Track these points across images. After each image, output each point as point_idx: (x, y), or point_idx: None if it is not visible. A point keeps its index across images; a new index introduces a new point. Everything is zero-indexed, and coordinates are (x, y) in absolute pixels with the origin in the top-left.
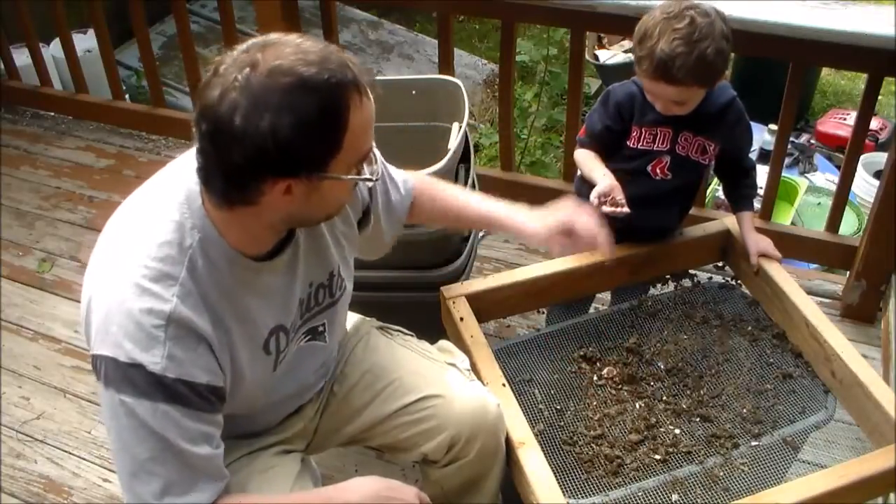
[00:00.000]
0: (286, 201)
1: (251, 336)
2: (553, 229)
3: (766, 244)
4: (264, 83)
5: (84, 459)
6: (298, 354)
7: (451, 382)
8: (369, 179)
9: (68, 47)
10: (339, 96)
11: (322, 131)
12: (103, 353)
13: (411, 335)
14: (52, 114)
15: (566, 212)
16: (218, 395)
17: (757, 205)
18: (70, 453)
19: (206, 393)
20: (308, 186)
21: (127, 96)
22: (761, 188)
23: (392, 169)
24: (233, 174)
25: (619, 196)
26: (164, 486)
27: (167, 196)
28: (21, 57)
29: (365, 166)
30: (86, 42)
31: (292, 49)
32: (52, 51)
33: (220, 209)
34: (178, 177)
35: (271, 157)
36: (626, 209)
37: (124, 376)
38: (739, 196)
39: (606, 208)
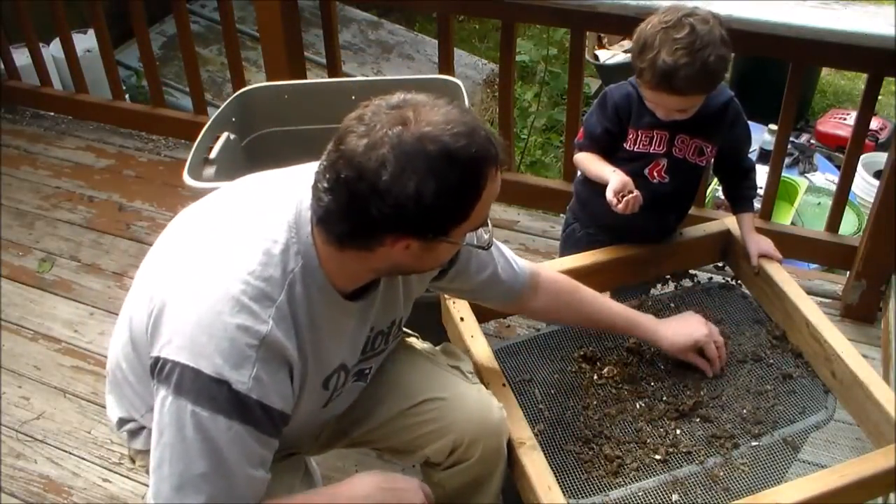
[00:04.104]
0: (401, 255)
1: (319, 370)
2: (689, 347)
3: (767, 245)
4: (415, 146)
5: (84, 459)
6: (345, 394)
7: (454, 385)
8: (482, 247)
9: (68, 47)
10: (480, 171)
11: (459, 202)
12: (182, 360)
13: (415, 336)
14: (52, 114)
15: (701, 333)
16: (284, 422)
17: (757, 205)
18: (70, 453)
19: (276, 419)
20: (426, 246)
21: (127, 96)
22: (761, 188)
23: (510, 253)
24: (361, 223)
25: (632, 187)
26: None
27: (275, 213)
28: (21, 57)
29: (478, 232)
30: (86, 42)
31: (442, 117)
32: (52, 51)
33: (329, 245)
34: (289, 195)
35: (408, 217)
36: (638, 196)
37: (205, 389)
38: (739, 197)
39: (621, 206)
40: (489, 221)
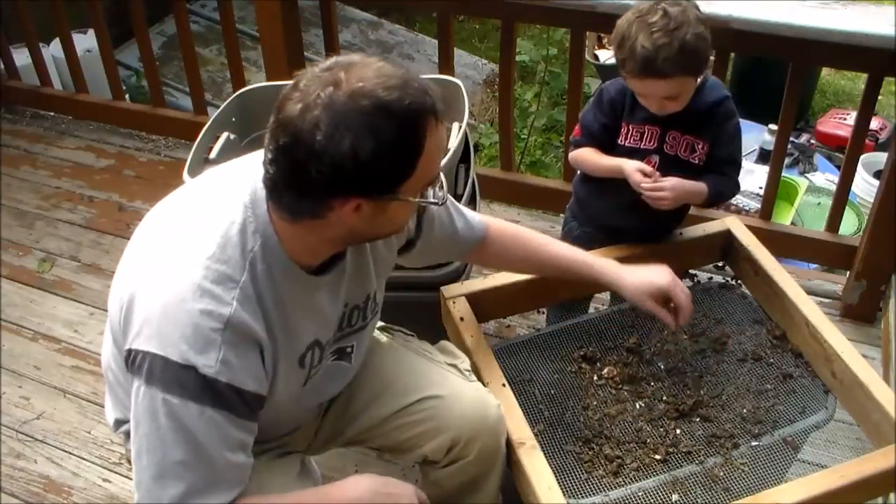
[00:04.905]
0: (353, 218)
1: (292, 348)
2: (652, 293)
3: (670, 190)
4: (347, 103)
5: (84, 459)
6: (325, 373)
7: (451, 383)
8: (435, 203)
9: (68, 47)
10: (417, 122)
11: (400, 155)
12: (151, 350)
13: (412, 335)
14: (52, 114)
15: (666, 279)
16: (260, 404)
17: (757, 205)
18: (70, 453)
19: (251, 401)
20: (377, 206)
21: (127, 96)
22: (761, 188)
23: (463, 207)
24: (305, 188)
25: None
26: (187, 491)
27: (232, 196)
28: (21, 57)
29: (431, 190)
30: (86, 42)
31: (374, 72)
32: (52, 51)
33: (283, 220)
34: (245, 177)
35: (348, 176)
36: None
37: (174, 377)
38: (707, 178)
39: (646, 186)
40: (442, 178)
